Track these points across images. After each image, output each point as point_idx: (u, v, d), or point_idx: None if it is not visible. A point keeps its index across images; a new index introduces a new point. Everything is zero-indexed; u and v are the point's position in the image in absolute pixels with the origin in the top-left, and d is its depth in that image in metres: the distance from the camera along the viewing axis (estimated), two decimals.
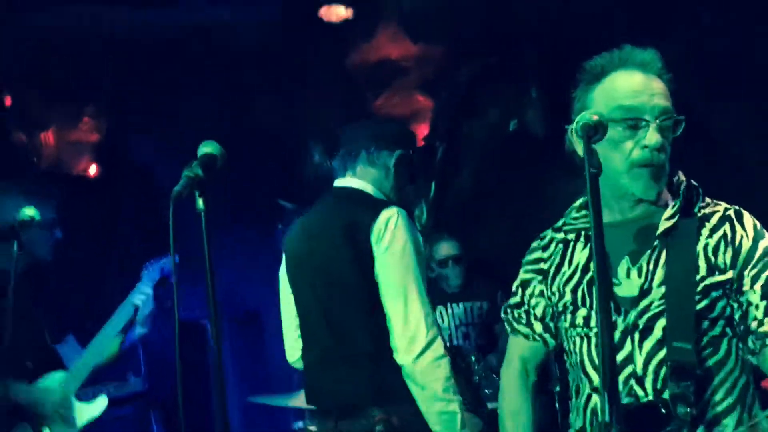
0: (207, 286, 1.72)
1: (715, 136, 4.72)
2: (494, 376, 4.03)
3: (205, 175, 1.78)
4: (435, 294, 4.88)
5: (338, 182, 2.87)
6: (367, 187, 2.78)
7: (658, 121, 1.78)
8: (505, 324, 2.16)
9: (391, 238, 2.59)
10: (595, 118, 1.57)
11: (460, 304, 4.88)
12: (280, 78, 5.47)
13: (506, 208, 5.84)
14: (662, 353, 1.76)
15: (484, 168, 6.62)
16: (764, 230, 1.85)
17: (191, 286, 2.18)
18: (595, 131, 1.56)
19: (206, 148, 1.82)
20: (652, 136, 1.77)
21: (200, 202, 1.77)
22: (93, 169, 5.94)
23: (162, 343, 4.07)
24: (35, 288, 3.22)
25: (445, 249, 4.93)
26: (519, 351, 2.14)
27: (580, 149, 1.84)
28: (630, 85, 1.81)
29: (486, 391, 3.90)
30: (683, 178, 1.92)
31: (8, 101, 5.36)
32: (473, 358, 4.12)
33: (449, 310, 4.89)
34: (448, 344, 4.08)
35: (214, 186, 1.80)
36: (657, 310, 1.79)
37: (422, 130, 6.84)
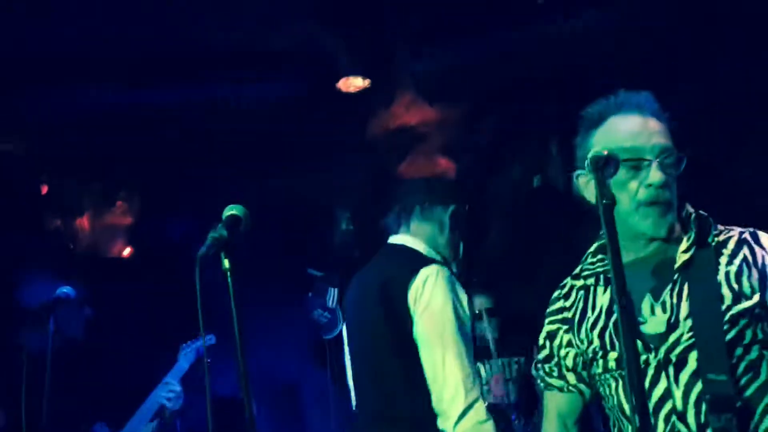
0: (236, 348, 1.74)
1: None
2: None
3: (229, 236, 1.83)
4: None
5: (391, 239, 2.86)
6: (419, 245, 2.74)
7: (659, 160, 1.83)
8: (538, 381, 2.17)
9: (429, 298, 2.55)
10: (606, 152, 1.62)
11: (498, 360, 4.85)
12: (305, 151, 5.60)
13: (536, 263, 5.84)
14: (699, 385, 1.74)
15: (512, 225, 6.64)
16: None
17: (228, 362, 2.19)
18: (605, 163, 1.60)
19: (230, 210, 1.89)
20: (654, 175, 1.82)
21: (226, 263, 1.81)
22: (127, 251, 6.06)
23: (199, 419, 4.07)
24: (69, 371, 3.26)
25: (479, 302, 4.96)
26: (556, 406, 2.12)
27: (588, 192, 1.88)
28: (628, 127, 1.86)
29: None
30: (692, 209, 1.95)
31: (44, 189, 5.53)
32: (513, 417, 4.07)
33: (486, 366, 4.86)
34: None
35: (242, 257, 1.86)
36: (687, 343, 1.77)
37: None
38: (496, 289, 5.20)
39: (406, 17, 4.93)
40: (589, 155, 1.63)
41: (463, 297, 2.56)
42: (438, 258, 2.66)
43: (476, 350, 4.85)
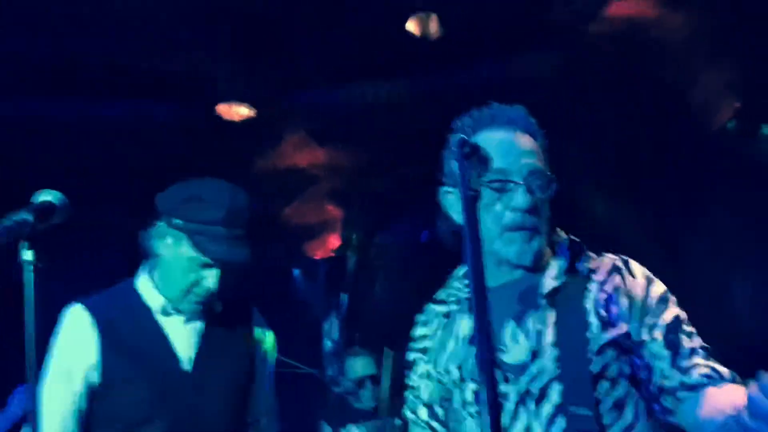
0: (27, 353, 1.48)
1: None
2: None
3: (36, 223, 1.50)
4: (346, 412, 4.57)
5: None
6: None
7: (526, 182, 1.67)
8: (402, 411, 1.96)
9: None
10: (474, 143, 1.43)
11: (376, 423, 4.56)
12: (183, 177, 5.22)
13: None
14: (563, 421, 1.57)
15: (397, 280, 6.46)
16: (654, 276, 1.71)
17: None
18: (472, 151, 1.40)
19: (44, 195, 1.56)
20: (520, 198, 1.66)
21: (27, 254, 1.50)
22: None
23: None
24: None
25: (361, 367, 4.66)
26: None
27: (455, 211, 1.79)
28: (496, 145, 1.68)
29: None
30: (564, 235, 1.79)
31: None
32: None
33: (363, 430, 4.55)
34: None
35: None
36: (551, 375, 1.61)
37: (333, 241, 6.66)
38: (378, 348, 4.94)
39: (303, 54, 4.73)
40: (454, 137, 1.43)
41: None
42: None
43: (350, 412, 4.58)
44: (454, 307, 1.82)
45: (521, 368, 1.63)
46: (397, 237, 6.54)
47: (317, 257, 6.48)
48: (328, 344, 6.26)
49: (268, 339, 2.31)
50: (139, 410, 2.00)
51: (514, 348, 1.66)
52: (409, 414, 1.90)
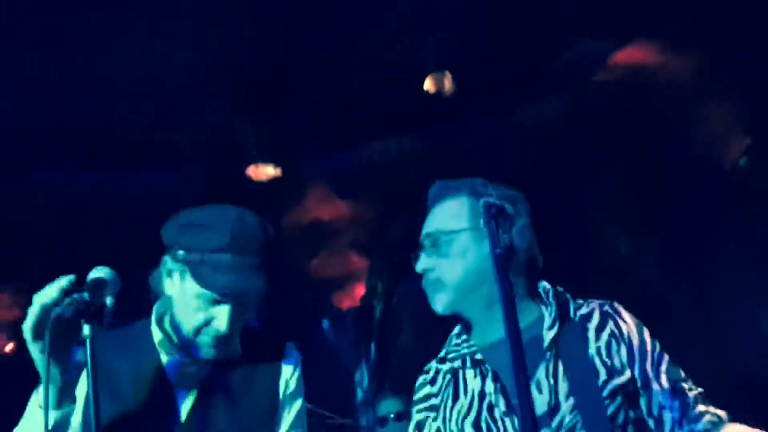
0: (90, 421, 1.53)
1: None
2: None
3: (92, 300, 1.57)
4: None
5: None
6: None
7: (425, 244, 1.90)
8: None
9: None
10: (498, 201, 1.57)
11: None
12: None
13: None
14: None
15: (423, 326, 6.52)
16: (638, 321, 1.80)
17: None
18: (498, 212, 1.52)
19: (96, 272, 1.64)
20: (420, 263, 1.91)
21: (86, 329, 1.56)
22: (10, 347, 5.58)
23: None
24: None
25: (387, 406, 4.67)
26: None
27: None
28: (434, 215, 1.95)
29: None
30: (548, 286, 1.85)
31: None
32: None
33: None
34: None
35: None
36: (570, 425, 1.65)
37: (359, 291, 6.74)
38: (409, 393, 4.98)
39: (325, 113, 4.90)
40: (482, 201, 1.55)
41: None
42: None
43: None
44: (458, 363, 1.83)
45: (541, 421, 1.65)
46: (417, 283, 6.60)
47: (344, 307, 6.57)
48: (359, 394, 6.31)
49: (295, 380, 2.00)
50: None
51: None
52: None
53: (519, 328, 1.39)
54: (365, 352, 6.55)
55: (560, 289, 1.84)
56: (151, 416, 1.81)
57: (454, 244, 1.83)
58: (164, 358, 1.89)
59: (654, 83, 4.26)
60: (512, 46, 4.20)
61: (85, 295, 1.58)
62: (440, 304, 1.86)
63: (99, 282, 1.62)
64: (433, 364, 1.93)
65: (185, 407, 1.84)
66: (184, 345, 1.87)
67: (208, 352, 1.84)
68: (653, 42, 4.29)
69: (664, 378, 1.69)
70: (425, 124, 4.92)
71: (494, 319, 1.75)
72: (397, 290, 6.63)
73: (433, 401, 1.86)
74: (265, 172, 4.88)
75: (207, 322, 1.81)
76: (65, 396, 1.64)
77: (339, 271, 6.52)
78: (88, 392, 1.53)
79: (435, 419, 1.84)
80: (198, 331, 1.82)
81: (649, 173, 4.61)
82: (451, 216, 1.88)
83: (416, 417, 1.91)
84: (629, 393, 1.68)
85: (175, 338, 1.88)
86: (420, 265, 1.90)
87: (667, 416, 1.67)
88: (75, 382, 1.62)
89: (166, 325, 1.91)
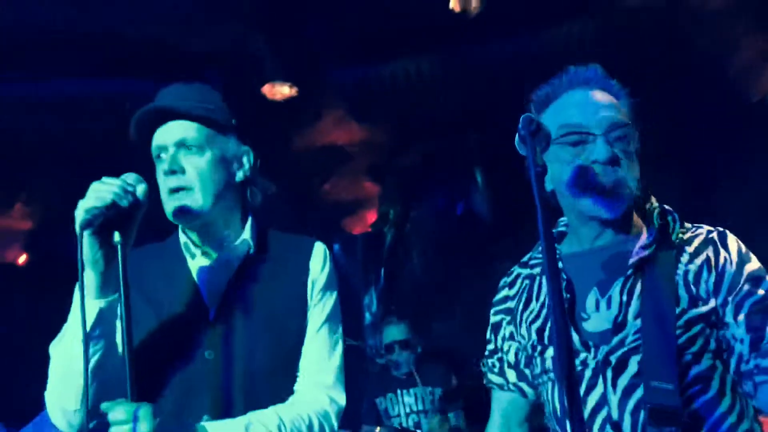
0: (122, 321, 1.58)
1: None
2: None
3: (127, 209, 1.60)
4: (385, 381, 4.67)
5: None
6: None
7: (605, 134, 1.62)
8: (484, 379, 1.91)
9: None
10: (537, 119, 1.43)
11: (411, 391, 4.64)
12: None
13: (457, 294, 5.71)
14: (639, 392, 1.54)
15: (434, 253, 6.51)
16: (750, 253, 1.65)
17: None
18: (537, 128, 1.40)
19: (127, 178, 1.65)
20: (600, 150, 1.61)
21: (117, 235, 1.60)
22: (23, 258, 5.61)
23: None
24: None
25: (392, 333, 4.74)
26: (498, 406, 1.88)
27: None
28: (573, 103, 1.68)
29: None
30: (656, 203, 1.73)
31: None
32: None
33: (399, 398, 4.64)
34: None
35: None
36: (631, 345, 1.57)
37: (370, 217, 6.73)
38: (414, 319, 5.02)
39: (339, 31, 4.78)
40: (523, 118, 1.41)
41: None
42: None
43: (390, 381, 4.67)
44: (537, 270, 1.80)
45: (601, 336, 1.60)
46: (432, 211, 6.58)
47: (355, 232, 6.57)
48: (368, 317, 6.37)
49: (325, 276, 1.96)
50: (155, 358, 1.76)
51: (595, 316, 1.63)
52: (495, 378, 1.87)
53: (554, 246, 1.36)
54: (374, 277, 6.59)
55: (668, 208, 1.72)
56: (181, 319, 1.83)
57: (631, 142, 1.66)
58: (190, 261, 1.91)
59: (686, 9, 4.12)
60: None
61: (124, 202, 1.60)
62: (618, 211, 1.63)
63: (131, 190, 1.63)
64: (516, 268, 1.88)
65: (213, 307, 1.85)
66: (207, 245, 1.89)
67: (171, 209, 1.82)
68: None
69: (744, 312, 1.57)
70: (447, 44, 4.79)
71: (589, 229, 1.68)
72: (409, 218, 6.61)
73: (510, 304, 1.84)
74: (281, 91, 4.77)
75: (165, 187, 1.83)
76: (109, 284, 1.65)
77: (351, 196, 6.49)
78: (119, 294, 1.59)
79: (509, 323, 1.82)
80: (167, 203, 1.83)
81: (677, 102, 4.51)
82: (617, 109, 1.68)
83: (493, 318, 1.88)
84: (711, 322, 1.57)
85: (197, 240, 1.90)
86: (604, 154, 1.60)
87: (737, 349, 1.56)
88: (116, 273, 1.61)
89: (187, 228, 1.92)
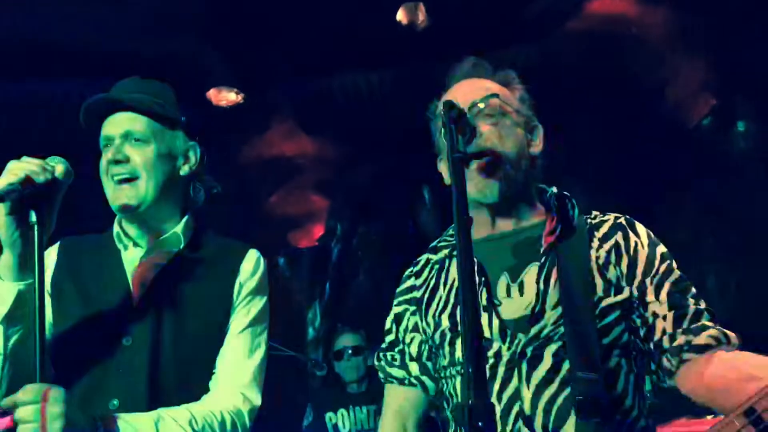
0: (34, 303, 1.53)
1: None
2: None
3: (43, 187, 1.56)
4: (335, 396, 4.54)
5: None
6: None
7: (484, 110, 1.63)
8: (379, 373, 1.82)
9: None
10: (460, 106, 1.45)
11: (363, 408, 4.53)
12: None
13: None
14: (553, 387, 1.51)
15: (381, 269, 6.53)
16: (657, 239, 1.64)
17: None
18: (459, 115, 1.42)
19: (50, 161, 1.62)
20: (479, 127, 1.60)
21: (32, 215, 1.56)
22: None
23: None
24: None
25: (344, 341, 4.59)
26: (394, 403, 1.77)
27: (447, 174, 1.63)
28: (450, 94, 1.69)
29: None
30: (555, 190, 1.72)
31: None
32: None
33: (350, 414, 4.53)
34: None
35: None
36: (549, 335, 1.53)
37: (317, 231, 6.72)
38: (366, 329, 5.00)
39: (291, 43, 4.79)
40: (442, 100, 1.46)
41: None
42: None
43: (341, 396, 4.58)
44: (445, 252, 1.74)
45: (517, 324, 1.56)
46: (379, 227, 6.60)
47: (301, 246, 6.55)
48: (310, 332, 6.32)
49: (255, 280, 1.94)
50: (78, 345, 1.75)
51: (507, 302, 1.59)
52: (395, 371, 1.78)
53: (469, 231, 1.31)
54: (320, 291, 6.56)
55: (566, 194, 1.71)
56: (106, 306, 1.81)
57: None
58: (123, 252, 1.90)
59: (624, 37, 4.25)
60: None
61: (39, 178, 1.57)
62: (491, 191, 1.61)
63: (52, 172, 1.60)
64: (424, 255, 1.81)
65: (138, 296, 1.83)
66: (140, 237, 1.88)
67: (116, 202, 1.81)
68: None
69: (664, 290, 1.55)
70: (396, 60, 4.84)
71: (482, 215, 1.66)
72: (356, 233, 6.61)
73: (415, 293, 1.76)
74: (227, 97, 4.73)
75: (109, 176, 1.82)
76: (28, 266, 1.60)
77: (298, 209, 6.48)
78: (34, 275, 1.55)
79: (414, 313, 1.75)
80: (111, 194, 1.82)
81: (617, 126, 4.63)
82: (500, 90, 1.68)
83: (395, 309, 1.80)
84: (621, 313, 1.55)
85: (131, 231, 1.89)
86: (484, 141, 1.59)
87: (659, 326, 1.54)
88: (32, 256, 1.57)
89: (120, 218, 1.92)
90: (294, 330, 6.10)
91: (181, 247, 1.91)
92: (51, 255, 1.88)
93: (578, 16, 4.25)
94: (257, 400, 1.86)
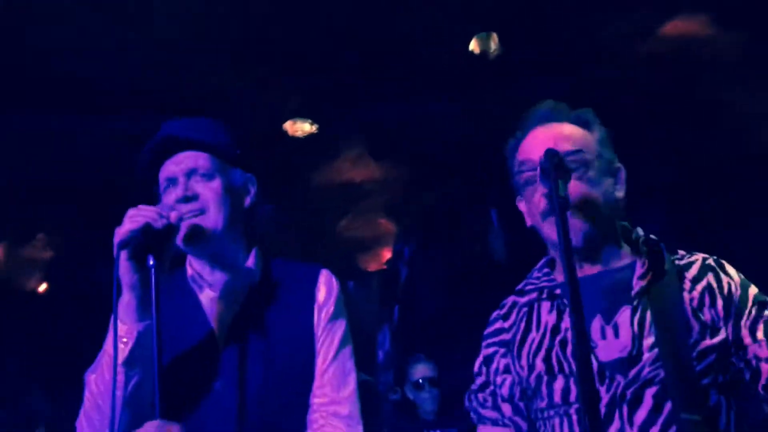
0: (154, 342, 1.61)
1: None
2: None
3: (160, 233, 1.66)
4: (411, 422, 4.63)
5: None
6: None
7: (541, 164, 1.60)
8: (471, 414, 1.87)
9: None
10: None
11: None
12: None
13: (473, 333, 5.71)
14: (656, 428, 1.54)
15: (449, 292, 6.53)
16: (746, 279, 1.68)
17: None
18: (559, 161, 1.48)
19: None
20: (540, 186, 1.66)
21: (150, 259, 1.66)
22: (43, 287, 5.69)
23: None
24: None
25: (421, 371, 4.71)
26: None
27: (530, 214, 1.74)
28: (531, 139, 1.74)
29: None
30: (641, 233, 1.76)
31: None
32: None
33: None
34: None
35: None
36: (647, 377, 1.56)
37: (385, 254, 6.77)
38: (439, 360, 5.03)
39: (360, 70, 4.88)
40: (545, 151, 1.50)
41: None
42: None
43: (416, 421, 4.65)
44: (534, 295, 1.78)
45: (614, 366, 1.59)
46: (447, 250, 6.63)
47: (370, 270, 6.61)
48: (380, 355, 6.37)
49: (332, 304, 1.93)
50: (168, 390, 1.66)
51: (603, 345, 1.62)
52: (488, 412, 1.82)
53: (576, 276, 1.36)
54: (388, 315, 6.60)
55: (654, 237, 1.74)
56: (192, 351, 1.84)
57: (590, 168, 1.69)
58: (199, 293, 1.92)
59: (700, 59, 4.19)
60: (560, 13, 4.15)
61: (158, 224, 1.66)
62: (578, 236, 1.65)
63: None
64: (510, 298, 1.86)
65: (221, 338, 1.85)
66: (213, 275, 1.90)
67: (184, 232, 1.81)
68: (701, 16, 4.22)
69: (761, 332, 1.58)
70: (467, 87, 4.88)
71: (585, 253, 1.69)
72: (424, 256, 6.65)
73: (504, 336, 1.81)
74: (302, 128, 4.87)
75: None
76: (146, 308, 1.67)
77: (367, 233, 6.55)
78: (152, 321, 1.62)
79: (504, 355, 1.79)
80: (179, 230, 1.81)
81: (688, 151, 4.56)
82: (574, 141, 1.70)
83: (485, 351, 1.85)
84: (719, 356, 1.58)
85: (204, 271, 1.92)
86: (543, 187, 1.63)
87: (765, 367, 1.56)
88: (149, 298, 1.65)
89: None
90: (364, 353, 6.13)
91: (257, 280, 1.93)
92: None
93: (654, 38, 4.22)
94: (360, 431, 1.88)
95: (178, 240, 1.80)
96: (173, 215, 1.71)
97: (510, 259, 6.03)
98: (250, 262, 1.93)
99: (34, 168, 5.21)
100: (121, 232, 1.64)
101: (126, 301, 1.68)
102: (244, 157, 1.96)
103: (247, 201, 1.96)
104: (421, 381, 4.66)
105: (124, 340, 1.67)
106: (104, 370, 1.71)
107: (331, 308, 1.93)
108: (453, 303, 5.97)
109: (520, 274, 1.90)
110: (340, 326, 1.93)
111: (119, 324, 1.68)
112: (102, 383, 1.70)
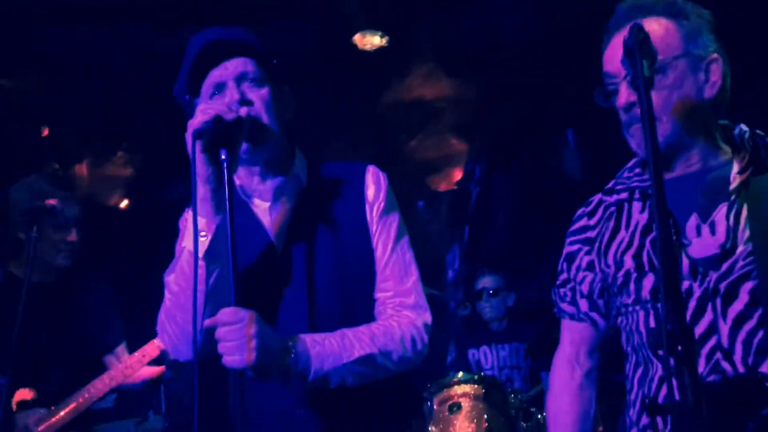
0: (227, 236, 1.60)
1: None
2: (531, 409, 3.86)
3: (230, 126, 1.67)
4: (477, 334, 4.77)
5: None
6: None
7: (625, 78, 1.62)
8: (554, 308, 1.92)
9: None
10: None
11: (505, 346, 4.73)
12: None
13: (545, 252, 5.68)
14: (752, 322, 1.52)
15: (520, 212, 6.48)
16: None
17: None
18: (645, 38, 1.39)
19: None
20: (620, 97, 1.65)
21: (222, 153, 1.67)
22: (125, 203, 5.89)
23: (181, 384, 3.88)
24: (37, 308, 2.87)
25: (483, 282, 4.87)
26: (568, 335, 1.89)
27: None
28: (609, 49, 1.69)
29: (523, 423, 3.71)
30: (746, 128, 1.71)
31: (45, 132, 5.35)
32: (509, 392, 3.94)
33: (494, 351, 4.74)
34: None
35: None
36: (741, 272, 1.54)
37: (455, 174, 6.73)
38: (506, 278, 5.07)
39: None
40: (630, 27, 1.40)
41: None
42: None
43: (485, 334, 4.76)
44: (624, 195, 1.76)
45: (708, 262, 1.58)
46: (520, 169, 6.54)
47: (440, 189, 6.59)
48: (450, 274, 6.43)
49: (386, 200, 1.93)
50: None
51: (697, 241, 1.60)
52: (567, 307, 1.87)
53: (661, 172, 1.30)
54: (458, 234, 6.61)
55: (760, 133, 1.69)
56: (254, 259, 1.86)
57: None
58: (250, 204, 1.94)
59: None
60: None
61: (229, 116, 1.67)
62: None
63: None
64: (597, 196, 1.84)
65: (279, 245, 1.88)
66: (262, 185, 1.91)
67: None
68: None
69: None
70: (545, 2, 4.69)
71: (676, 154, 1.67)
72: (494, 175, 6.58)
73: (589, 234, 1.81)
74: (371, 41, 4.74)
75: None
76: (221, 202, 1.68)
77: (437, 153, 6.50)
78: (224, 215, 1.64)
79: (588, 252, 1.80)
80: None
81: None
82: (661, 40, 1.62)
83: (568, 248, 1.86)
84: None
85: (246, 180, 1.94)
86: (622, 101, 1.63)
87: None
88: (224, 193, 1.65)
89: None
90: (433, 272, 6.20)
91: (304, 185, 1.95)
92: (191, 219, 1.77)
93: None
94: (429, 317, 1.91)
95: (244, 138, 1.79)
96: (243, 110, 1.73)
97: (585, 179, 5.92)
98: (297, 167, 1.95)
99: (113, 86, 5.30)
100: (195, 123, 1.65)
101: (201, 195, 1.70)
102: (281, 68, 1.94)
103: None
104: (482, 290, 4.81)
105: (203, 233, 1.69)
106: (184, 266, 1.73)
107: (382, 203, 1.92)
108: (523, 224, 5.93)
109: (592, 194, 1.87)
110: (394, 219, 1.94)
111: (198, 218, 1.70)
112: (183, 280, 1.73)
